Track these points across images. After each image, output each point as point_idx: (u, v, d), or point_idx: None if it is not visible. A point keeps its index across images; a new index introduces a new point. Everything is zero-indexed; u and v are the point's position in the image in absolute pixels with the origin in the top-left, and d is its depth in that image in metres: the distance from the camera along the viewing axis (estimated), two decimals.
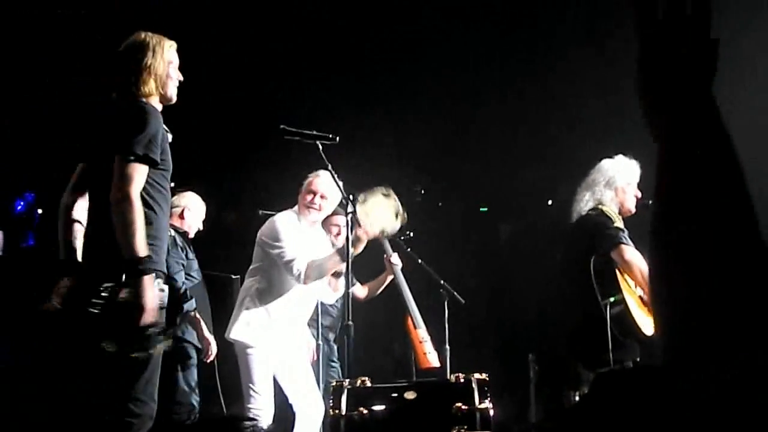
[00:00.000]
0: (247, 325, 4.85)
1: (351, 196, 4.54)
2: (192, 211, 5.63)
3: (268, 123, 4.94)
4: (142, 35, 3.50)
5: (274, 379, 4.92)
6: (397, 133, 8.42)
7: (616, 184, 5.20)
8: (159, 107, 3.47)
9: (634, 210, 5.25)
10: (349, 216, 4.51)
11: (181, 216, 5.55)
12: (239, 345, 4.85)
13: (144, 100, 3.42)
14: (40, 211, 8.07)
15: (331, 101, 7.80)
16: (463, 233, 9.03)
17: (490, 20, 7.63)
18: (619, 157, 5.32)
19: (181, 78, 3.57)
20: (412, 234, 5.90)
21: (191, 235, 5.60)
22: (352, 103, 7.93)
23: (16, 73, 6.64)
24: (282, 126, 4.42)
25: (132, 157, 3.25)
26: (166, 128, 3.45)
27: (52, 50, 6.41)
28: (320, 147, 4.45)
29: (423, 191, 9.15)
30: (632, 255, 4.93)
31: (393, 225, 4.66)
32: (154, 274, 3.28)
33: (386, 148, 8.50)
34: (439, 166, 8.90)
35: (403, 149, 8.58)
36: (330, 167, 4.47)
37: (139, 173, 3.27)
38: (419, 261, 5.76)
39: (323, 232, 5.35)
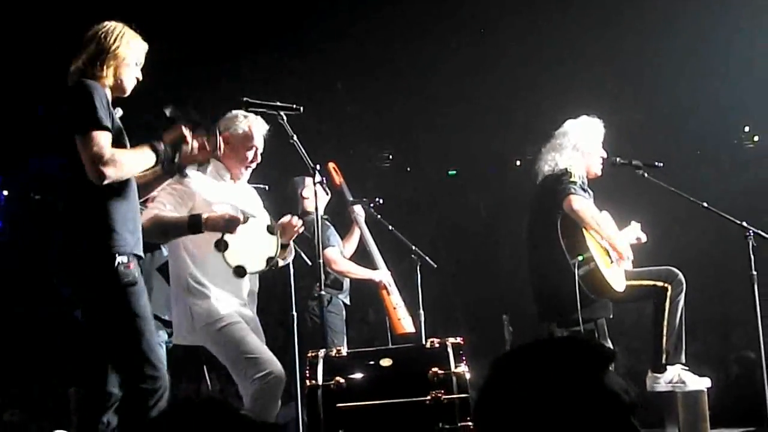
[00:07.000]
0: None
1: (317, 166, 4.47)
2: None
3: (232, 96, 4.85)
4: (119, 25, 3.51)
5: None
6: (364, 101, 8.37)
7: (582, 147, 5.16)
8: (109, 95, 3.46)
9: (600, 173, 5.23)
10: (316, 186, 4.47)
11: None
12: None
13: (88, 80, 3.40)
14: (5, 192, 8.00)
15: (297, 72, 7.74)
16: (433, 197, 9.04)
17: None
18: (583, 118, 5.28)
19: (140, 77, 3.59)
20: (381, 201, 5.88)
21: None
22: (317, 73, 7.87)
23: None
24: (245, 98, 4.36)
25: (88, 129, 3.25)
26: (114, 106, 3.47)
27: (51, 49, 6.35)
28: (284, 118, 4.39)
29: (390, 157, 9.14)
30: (580, 204, 4.87)
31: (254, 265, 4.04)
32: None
33: (353, 115, 8.47)
34: (407, 131, 8.87)
35: (370, 116, 8.55)
36: (295, 138, 4.41)
37: (103, 138, 3.26)
38: (390, 227, 5.74)
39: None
